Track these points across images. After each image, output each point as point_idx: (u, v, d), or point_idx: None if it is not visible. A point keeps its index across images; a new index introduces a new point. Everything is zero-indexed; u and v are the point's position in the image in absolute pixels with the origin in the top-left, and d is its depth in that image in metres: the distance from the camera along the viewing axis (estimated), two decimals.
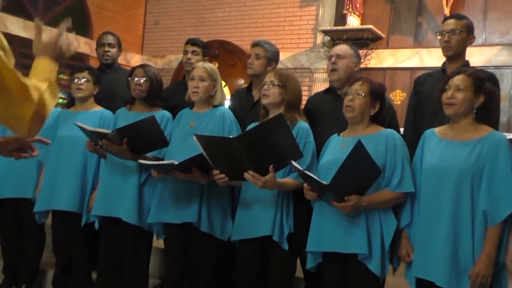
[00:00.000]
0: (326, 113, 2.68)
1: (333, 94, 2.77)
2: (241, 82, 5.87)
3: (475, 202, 1.98)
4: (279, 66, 5.58)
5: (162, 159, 2.66)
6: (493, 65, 4.54)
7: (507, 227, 1.96)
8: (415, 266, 2.11)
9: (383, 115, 2.42)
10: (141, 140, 2.58)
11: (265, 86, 2.49)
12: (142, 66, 2.94)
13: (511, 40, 4.64)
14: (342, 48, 2.77)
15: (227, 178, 2.35)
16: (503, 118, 4.24)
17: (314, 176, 2.13)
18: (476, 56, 4.23)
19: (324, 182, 2.08)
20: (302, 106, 2.72)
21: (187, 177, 2.47)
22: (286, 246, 2.35)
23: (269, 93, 2.47)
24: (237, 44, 5.90)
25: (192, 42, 3.32)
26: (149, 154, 2.69)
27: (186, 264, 2.64)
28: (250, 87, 3.09)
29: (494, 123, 2.29)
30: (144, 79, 2.81)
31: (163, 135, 2.60)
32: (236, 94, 3.17)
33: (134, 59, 6.69)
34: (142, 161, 2.57)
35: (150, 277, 2.94)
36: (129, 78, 2.86)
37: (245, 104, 2.95)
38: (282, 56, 5.71)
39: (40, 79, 1.43)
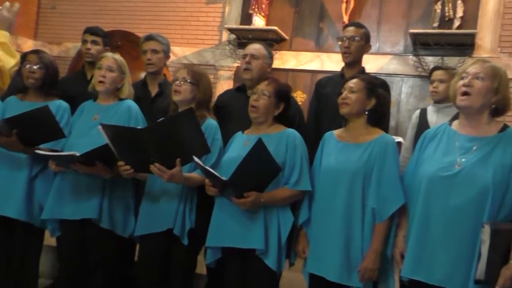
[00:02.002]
0: (236, 111, 2.70)
1: (244, 92, 2.81)
2: (144, 75, 5.69)
3: (365, 201, 2.12)
4: (184, 61, 5.55)
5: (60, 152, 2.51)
6: (385, 72, 4.88)
7: (394, 223, 2.11)
8: (310, 262, 2.21)
9: (290, 116, 2.51)
10: (33, 131, 2.41)
11: (177, 82, 2.46)
12: (36, 52, 2.74)
13: (400, 50, 5.02)
14: (257, 48, 2.81)
15: (132, 170, 2.29)
16: (392, 123, 4.55)
17: (215, 172, 2.15)
18: (370, 64, 4.51)
19: (224, 178, 2.11)
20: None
21: (90, 170, 2.36)
22: (186, 241, 2.35)
23: (181, 89, 2.44)
24: (141, 36, 5.71)
25: (91, 31, 3.16)
26: (44, 146, 2.51)
27: (82, 263, 2.51)
28: (145, 81, 3.03)
29: (385, 127, 2.47)
30: (38, 66, 2.63)
31: (58, 126, 2.45)
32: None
33: (26, 45, 6.18)
34: (39, 152, 2.40)
35: (40, 277, 2.77)
36: (21, 65, 2.66)
37: (141, 99, 2.88)
38: (187, 51, 5.68)
39: None
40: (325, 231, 2.16)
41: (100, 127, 2.23)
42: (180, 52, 5.55)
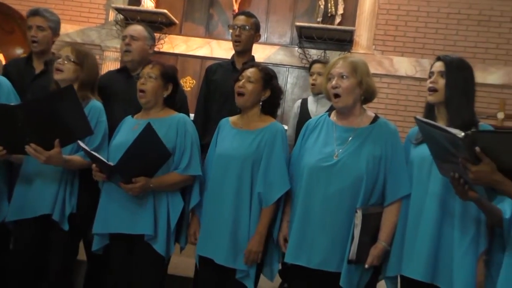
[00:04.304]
0: (117, 93, 2.64)
1: (126, 74, 2.74)
2: (20, 51, 5.25)
3: (254, 186, 2.19)
4: (67, 39, 5.20)
5: None
6: (272, 62, 5.05)
7: (280, 208, 2.22)
8: (200, 244, 2.25)
9: (175, 99, 2.50)
10: None
11: (60, 60, 2.33)
12: None
13: (287, 42, 5.23)
14: (137, 29, 2.76)
15: (5, 151, 2.13)
16: (278, 111, 4.77)
17: (101, 157, 2.10)
18: (258, 53, 4.62)
19: (111, 163, 2.06)
20: None
21: None
22: (66, 227, 2.26)
23: (64, 68, 2.32)
24: (16, 8, 5.23)
25: None
26: None
27: None
28: (30, 57, 2.83)
29: (275, 116, 2.58)
30: None
31: None
32: (13, 64, 2.89)
33: None
34: None
35: None
36: None
37: (24, 76, 2.70)
38: (70, 29, 5.34)
39: None
40: (215, 214, 2.21)
41: None
42: (61, 29, 5.18)
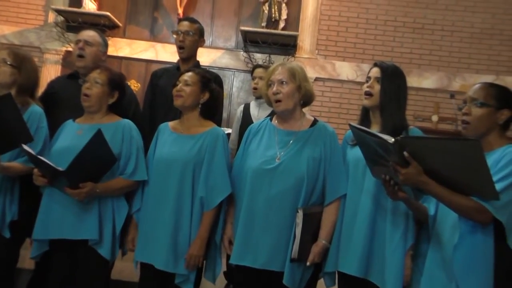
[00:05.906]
0: (68, 99, 2.60)
1: (76, 80, 2.70)
2: None
3: (195, 190, 2.22)
4: (3, 40, 5.01)
5: None
6: (218, 66, 5.09)
7: (223, 211, 2.25)
8: (138, 250, 2.25)
9: (125, 105, 2.50)
10: None
11: None
12: None
13: (232, 45, 5.28)
14: (91, 35, 2.74)
15: None
16: (224, 115, 4.80)
17: (49, 162, 2.06)
18: (203, 57, 4.66)
19: (60, 168, 2.03)
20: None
21: None
22: (7, 234, 2.22)
23: None
24: None
25: None
26: None
27: None
28: None
29: (218, 120, 2.62)
30: None
31: None
32: None
33: None
34: None
35: None
36: None
37: None
38: (7, 30, 5.15)
39: None
40: (155, 219, 2.21)
41: None
42: None
